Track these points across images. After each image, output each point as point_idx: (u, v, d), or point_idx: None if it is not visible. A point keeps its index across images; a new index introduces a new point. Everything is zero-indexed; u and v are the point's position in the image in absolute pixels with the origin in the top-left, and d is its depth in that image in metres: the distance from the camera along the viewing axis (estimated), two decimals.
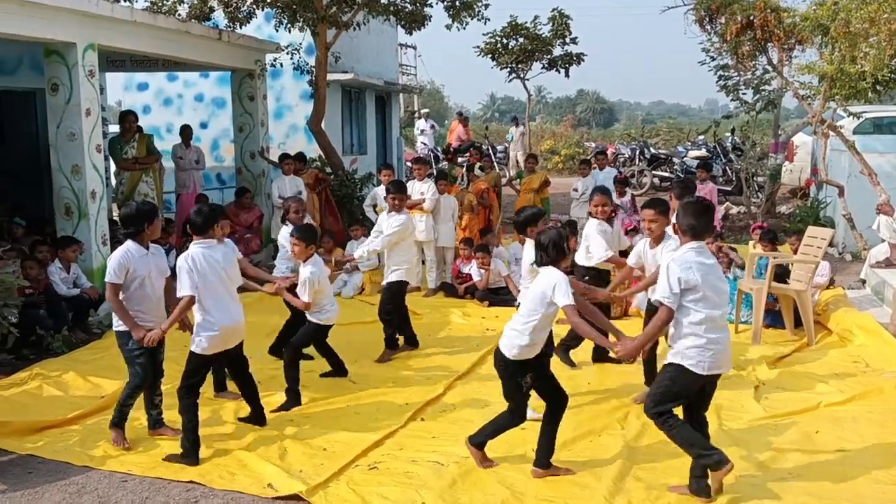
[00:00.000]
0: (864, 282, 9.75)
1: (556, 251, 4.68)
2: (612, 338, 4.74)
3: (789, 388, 6.45)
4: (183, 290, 5.11)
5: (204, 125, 16.34)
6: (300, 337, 6.41)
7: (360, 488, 4.67)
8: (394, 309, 7.36)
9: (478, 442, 4.95)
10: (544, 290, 4.64)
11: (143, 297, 5.28)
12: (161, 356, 5.51)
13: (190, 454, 5.06)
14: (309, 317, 6.35)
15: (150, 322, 5.26)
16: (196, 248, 5.23)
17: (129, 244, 5.30)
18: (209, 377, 5.68)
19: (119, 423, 5.35)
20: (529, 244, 5.74)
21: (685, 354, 4.33)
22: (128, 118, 10.81)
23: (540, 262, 4.75)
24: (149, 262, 5.32)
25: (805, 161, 17.46)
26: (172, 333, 5.37)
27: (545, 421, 4.87)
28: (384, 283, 7.42)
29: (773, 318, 8.27)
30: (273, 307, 8.64)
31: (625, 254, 7.02)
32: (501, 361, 4.80)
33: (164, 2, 11.10)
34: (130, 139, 10.67)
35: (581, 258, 6.87)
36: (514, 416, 4.87)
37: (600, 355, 6.96)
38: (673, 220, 5.16)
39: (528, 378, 4.76)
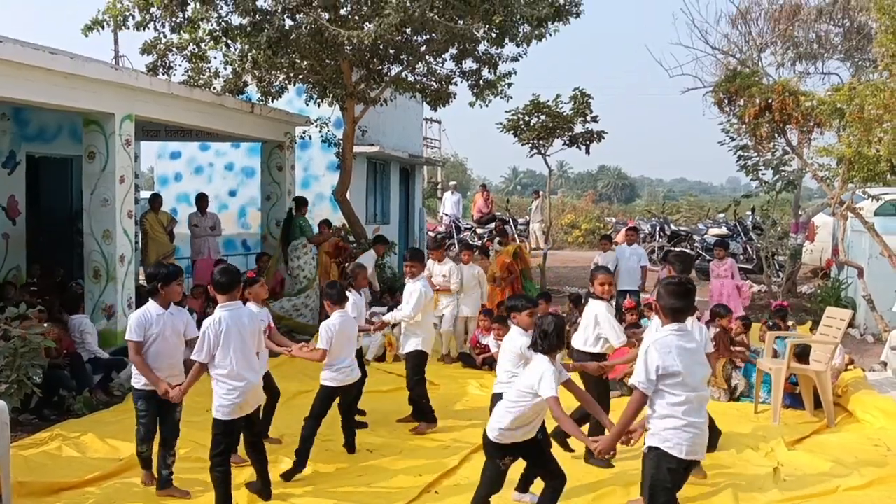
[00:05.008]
0: (885, 364, 9.65)
1: (556, 338, 4.74)
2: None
3: (808, 470, 6.38)
4: (196, 355, 5.09)
5: (233, 193, 16.74)
6: (315, 405, 6.26)
7: None
8: (420, 380, 7.32)
9: None
10: (532, 380, 4.67)
11: (156, 356, 5.44)
12: (177, 415, 5.60)
13: None
14: (322, 380, 6.28)
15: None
16: (223, 311, 5.13)
17: (149, 304, 5.52)
18: None
19: (143, 466, 5.77)
20: (512, 333, 5.69)
21: (662, 436, 4.14)
22: (305, 202, 12.31)
23: (537, 347, 4.77)
24: (164, 321, 5.47)
25: (826, 241, 17.42)
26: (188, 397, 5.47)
27: (544, 496, 4.90)
28: (401, 352, 7.41)
29: (792, 399, 8.20)
30: (292, 373, 8.72)
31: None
32: (484, 439, 4.89)
33: (201, 76, 11.53)
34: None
35: (580, 342, 6.44)
36: (491, 482, 4.90)
37: (564, 443, 6.37)
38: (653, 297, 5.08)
39: (506, 460, 4.84)
